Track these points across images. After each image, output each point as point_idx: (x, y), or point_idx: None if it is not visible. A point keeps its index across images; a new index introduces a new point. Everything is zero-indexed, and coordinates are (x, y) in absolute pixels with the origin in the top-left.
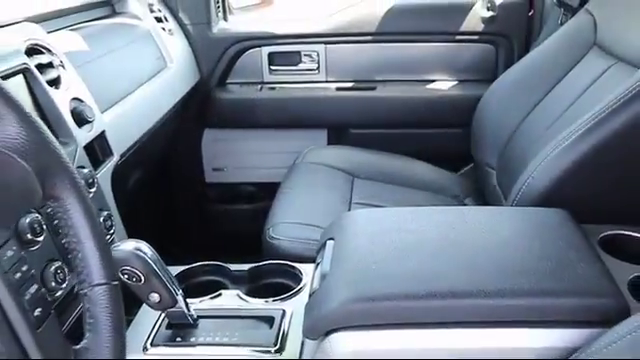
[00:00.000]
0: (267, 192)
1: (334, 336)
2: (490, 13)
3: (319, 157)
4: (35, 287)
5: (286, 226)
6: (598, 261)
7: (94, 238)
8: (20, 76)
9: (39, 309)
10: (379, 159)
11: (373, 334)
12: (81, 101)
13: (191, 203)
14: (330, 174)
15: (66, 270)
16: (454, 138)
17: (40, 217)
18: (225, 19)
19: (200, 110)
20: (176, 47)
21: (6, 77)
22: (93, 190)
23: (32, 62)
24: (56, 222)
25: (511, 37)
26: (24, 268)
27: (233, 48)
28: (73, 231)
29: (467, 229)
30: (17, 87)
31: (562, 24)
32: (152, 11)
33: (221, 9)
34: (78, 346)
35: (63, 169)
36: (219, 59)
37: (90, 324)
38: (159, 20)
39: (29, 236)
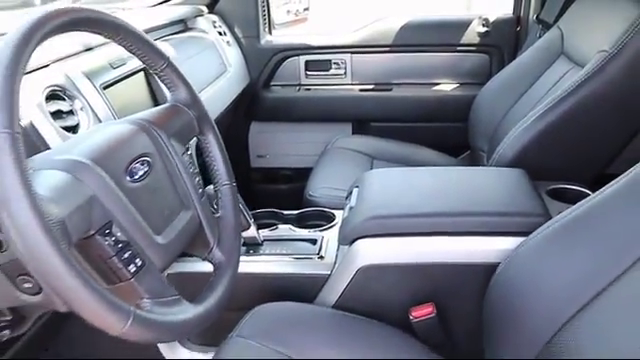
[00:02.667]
0: (301, 175)
1: (358, 242)
2: (485, 28)
3: (345, 144)
4: (198, 178)
5: (321, 189)
6: (538, 198)
7: (223, 159)
8: (142, 73)
9: (200, 190)
10: (393, 146)
11: (383, 240)
12: None
13: (238, 183)
14: (354, 157)
15: None
16: (455, 130)
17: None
18: (270, 33)
19: (249, 106)
20: (232, 55)
21: (134, 73)
22: (189, 152)
23: None
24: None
25: (502, 48)
26: (192, 167)
27: (276, 57)
28: (212, 154)
29: (451, 180)
30: (140, 80)
31: (540, 37)
32: (215, 26)
33: (267, 25)
34: (216, 215)
35: (207, 118)
36: (265, 65)
37: (221, 206)
38: (220, 34)
39: (191, 151)
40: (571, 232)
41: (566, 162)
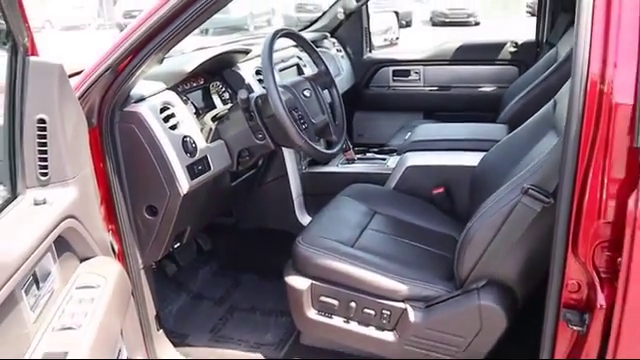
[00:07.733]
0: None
1: (406, 153)
2: (514, 49)
3: (416, 124)
4: (327, 105)
5: (396, 141)
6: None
7: (339, 99)
8: (295, 67)
9: (328, 109)
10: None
11: (420, 152)
12: None
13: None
14: None
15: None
16: (491, 118)
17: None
18: (370, 51)
19: (354, 100)
20: (344, 65)
21: (292, 66)
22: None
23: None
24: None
25: (526, 62)
26: (323, 99)
27: (374, 67)
28: (334, 98)
29: (464, 128)
30: (294, 70)
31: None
32: (334, 46)
33: (368, 46)
34: (335, 122)
35: (333, 81)
36: (365, 72)
37: (337, 118)
38: (338, 50)
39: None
40: (503, 145)
41: None
